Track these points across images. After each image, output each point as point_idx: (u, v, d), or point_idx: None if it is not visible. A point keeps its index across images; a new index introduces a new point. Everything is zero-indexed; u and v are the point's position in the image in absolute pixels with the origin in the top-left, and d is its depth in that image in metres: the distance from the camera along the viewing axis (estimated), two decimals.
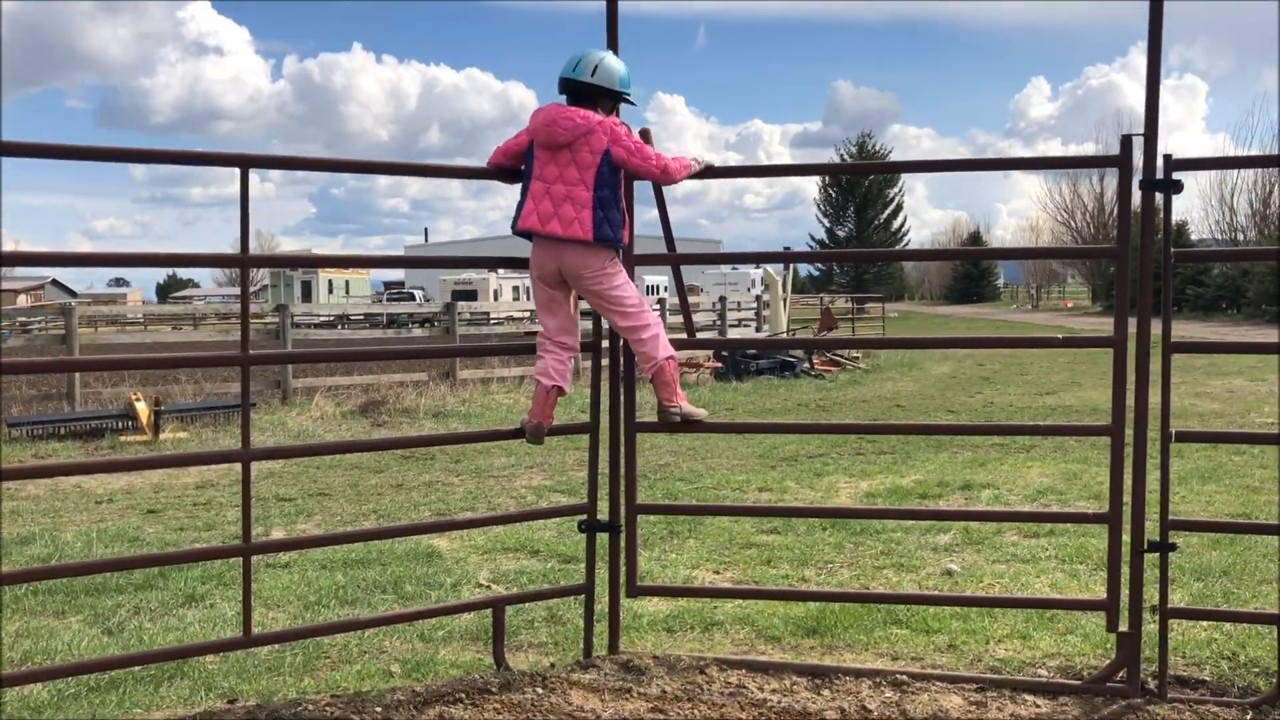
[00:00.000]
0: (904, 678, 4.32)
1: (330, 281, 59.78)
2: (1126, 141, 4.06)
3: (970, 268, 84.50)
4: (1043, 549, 6.59)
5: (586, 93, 4.42)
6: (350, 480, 9.70)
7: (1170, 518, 4.32)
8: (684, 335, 7.87)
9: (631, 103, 4.54)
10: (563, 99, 4.46)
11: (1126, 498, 4.35)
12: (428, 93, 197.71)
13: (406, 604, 5.61)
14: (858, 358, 23.18)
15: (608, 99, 4.45)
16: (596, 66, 4.44)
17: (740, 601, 5.55)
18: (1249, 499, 7.96)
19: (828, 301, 40.71)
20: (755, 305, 28.27)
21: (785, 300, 25.83)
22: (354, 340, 20.62)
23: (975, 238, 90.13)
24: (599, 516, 4.66)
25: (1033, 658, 4.64)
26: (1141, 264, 4.12)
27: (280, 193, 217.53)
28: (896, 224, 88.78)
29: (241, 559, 4.01)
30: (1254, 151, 44.75)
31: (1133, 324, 4.17)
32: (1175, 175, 4.04)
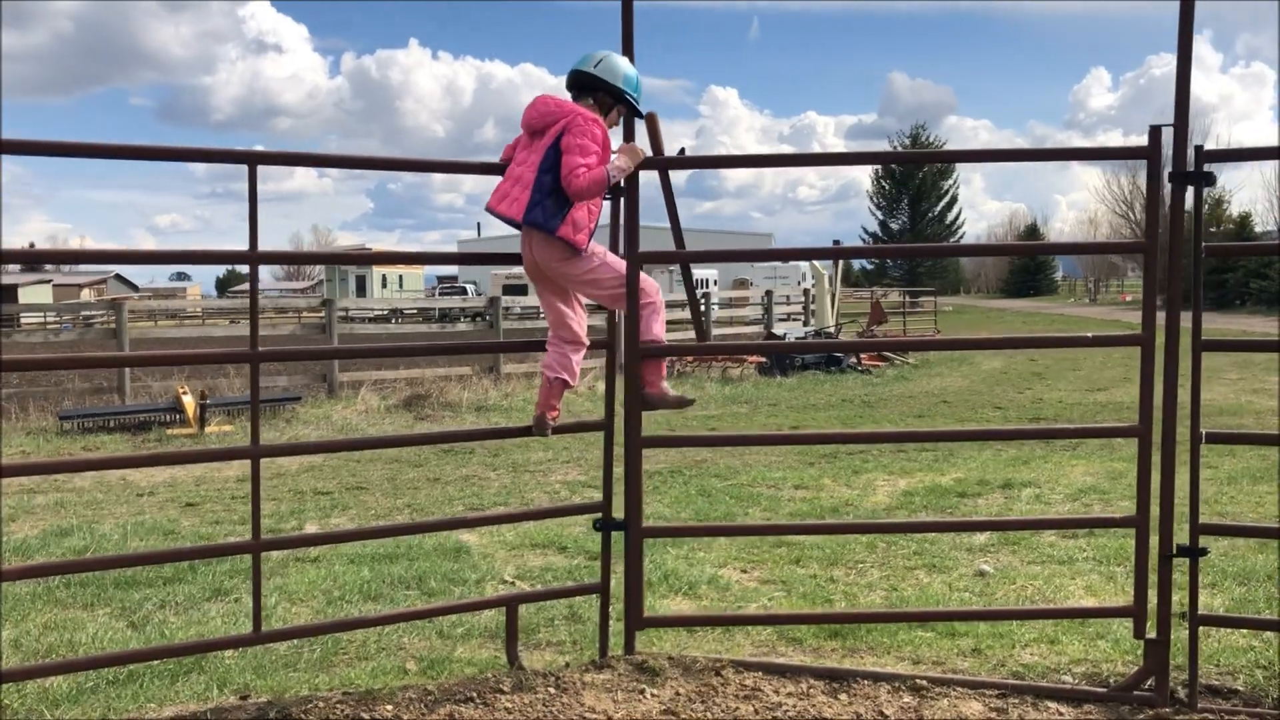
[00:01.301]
0: (924, 683, 4.22)
1: (384, 276, 60.44)
2: (1155, 133, 3.92)
3: (1028, 260, 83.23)
4: (1080, 550, 6.43)
5: (587, 85, 4.41)
6: (389, 474, 9.76)
7: (1201, 522, 4.16)
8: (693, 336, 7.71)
9: (636, 108, 4.48)
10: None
11: (1159, 502, 4.20)
12: (483, 88, 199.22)
13: (430, 600, 5.61)
14: (908, 360, 22.89)
15: (607, 96, 4.41)
16: (601, 60, 4.43)
17: (763, 601, 5.47)
18: None
19: (879, 295, 40.29)
20: (803, 300, 28.04)
21: (834, 294, 25.59)
22: (401, 335, 20.77)
23: (1033, 230, 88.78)
24: (615, 515, 4.60)
25: (1059, 664, 4.51)
26: (1171, 258, 3.97)
27: (338, 188, 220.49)
28: (951, 216, 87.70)
29: (252, 555, 4.00)
30: None
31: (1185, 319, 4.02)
32: (1206, 167, 3.89)
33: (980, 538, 6.86)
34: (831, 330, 22.75)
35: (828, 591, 5.73)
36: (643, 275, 4.47)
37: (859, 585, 5.87)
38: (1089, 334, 4.44)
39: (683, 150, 4.69)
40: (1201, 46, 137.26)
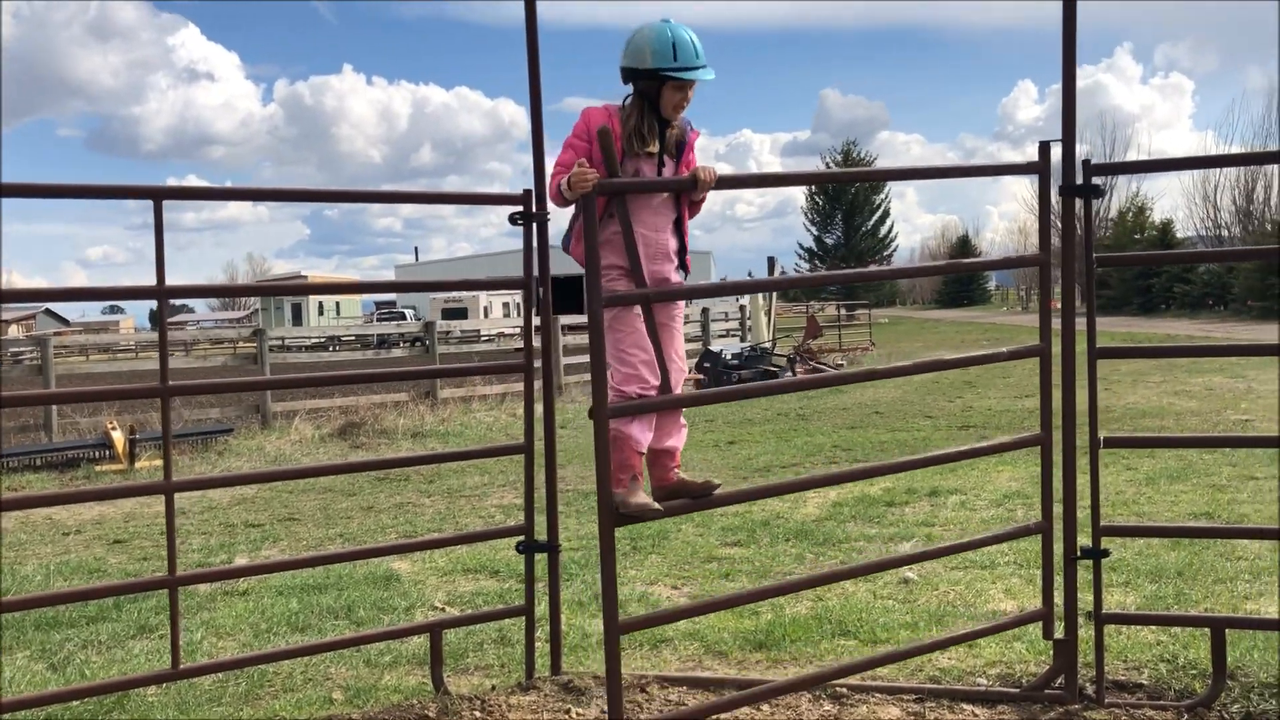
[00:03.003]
0: (844, 690, 4.31)
1: (321, 303, 59.85)
2: (1045, 148, 4.07)
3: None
4: (1001, 554, 6.58)
5: (626, 80, 4.05)
6: (321, 504, 9.68)
7: (1110, 524, 4.31)
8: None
9: (677, 78, 3.95)
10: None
11: (1063, 506, 4.34)
12: (418, 112, 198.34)
13: (358, 629, 5.59)
14: (841, 365, 23.22)
15: (648, 81, 3.98)
16: (628, 43, 4.05)
17: (692, 618, 5.54)
18: (1214, 498, 7.96)
19: (814, 309, 40.76)
20: (740, 315, 28.29)
21: (769, 310, 25.86)
22: (337, 363, 20.60)
23: (964, 241, 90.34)
24: (538, 537, 4.64)
25: (974, 666, 4.62)
26: (1064, 269, 4.12)
27: (274, 216, 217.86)
28: (884, 230, 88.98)
29: (169, 590, 3.98)
30: (1236, 149, 45.02)
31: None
32: (1095, 180, 4.04)
33: (905, 546, 7.00)
34: (768, 345, 22.98)
35: (756, 605, 5.80)
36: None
37: (787, 596, 5.95)
38: (983, 352, 4.48)
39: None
40: (1123, 58, 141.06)
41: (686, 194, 4.11)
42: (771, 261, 30.09)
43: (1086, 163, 4.03)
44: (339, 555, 5.47)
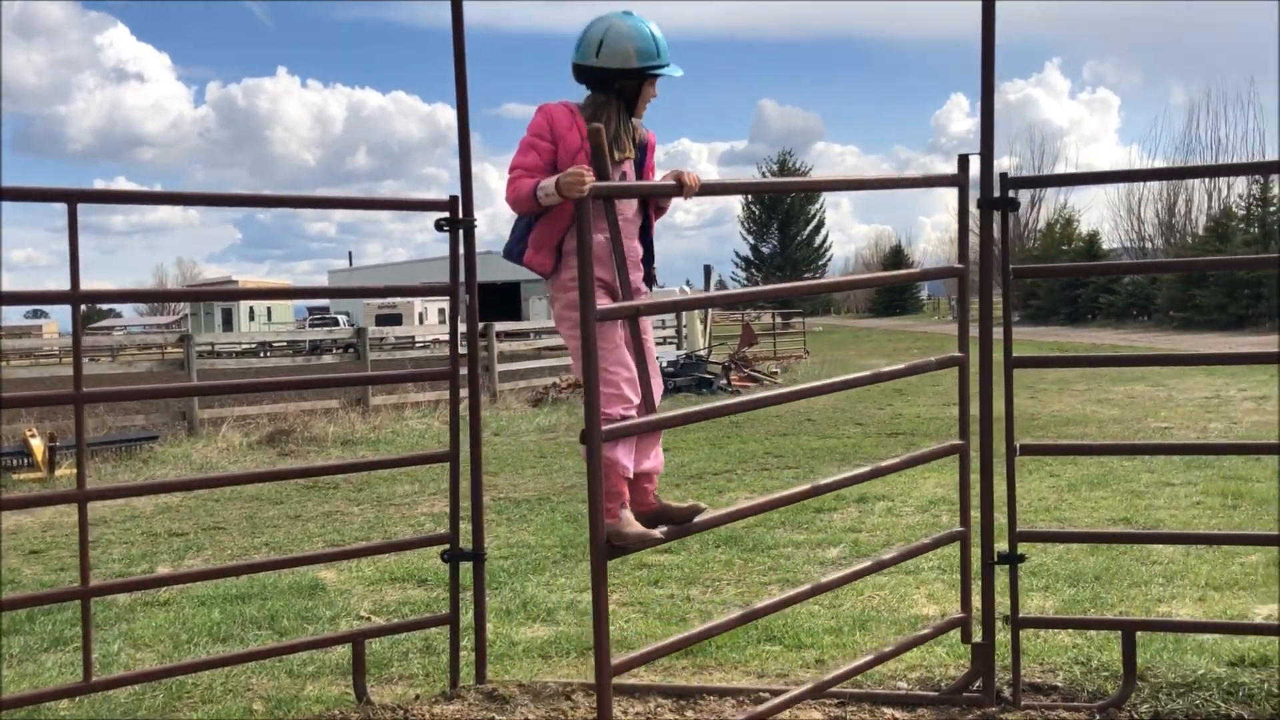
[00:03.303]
0: (767, 695, 4.34)
1: (252, 308, 58.93)
2: (964, 161, 4.15)
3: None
4: (926, 559, 6.66)
5: (599, 80, 3.87)
6: (248, 512, 9.52)
7: (1032, 529, 4.40)
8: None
9: (663, 75, 3.88)
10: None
11: (981, 512, 4.42)
12: (354, 116, 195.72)
13: (281, 639, 5.51)
14: (776, 372, 23.42)
15: (629, 80, 3.84)
16: (602, 42, 3.84)
17: (620, 624, 5.55)
18: (1132, 503, 8.16)
19: (750, 317, 41.06)
20: (676, 323, 28.39)
21: (705, 318, 25.99)
22: (267, 369, 20.29)
23: (897, 251, 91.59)
24: (464, 545, 4.62)
25: (896, 670, 4.69)
26: (982, 280, 4.21)
27: (205, 219, 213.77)
28: (819, 240, 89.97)
29: (80, 601, 3.89)
30: (1159, 163, 46.30)
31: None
32: (1012, 193, 4.13)
33: (834, 551, 7.09)
34: (703, 353, 23.09)
35: (684, 611, 5.84)
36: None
37: (714, 603, 5.99)
38: (910, 363, 4.50)
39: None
40: (1052, 73, 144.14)
41: (655, 200, 3.98)
42: (708, 270, 30.30)
43: (1004, 176, 4.12)
44: (263, 564, 5.39)
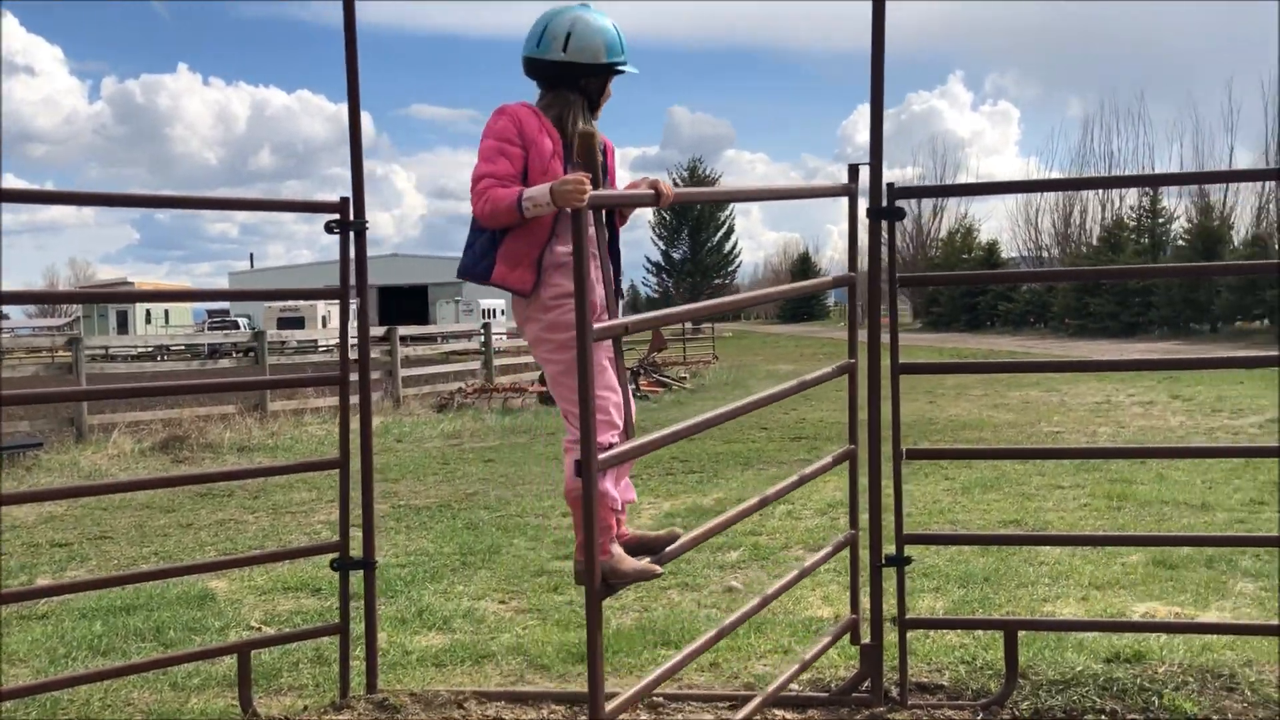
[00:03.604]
0: (660, 699, 4.36)
1: (149, 311, 57.26)
2: (854, 171, 4.22)
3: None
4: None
5: (561, 77, 3.59)
6: (137, 521, 9.23)
7: (919, 532, 4.48)
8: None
9: (627, 71, 3.65)
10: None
11: (869, 515, 4.49)
12: (258, 115, 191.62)
13: (166, 651, 5.35)
14: (684, 378, 23.55)
15: (594, 78, 3.62)
16: (569, 35, 3.56)
17: (517, 631, 5.52)
18: (1023, 505, 8.39)
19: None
20: None
21: None
22: (162, 373, 19.71)
23: (805, 259, 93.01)
24: (355, 554, 4.54)
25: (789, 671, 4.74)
26: (870, 288, 4.28)
27: (100, 219, 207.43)
28: (729, 246, 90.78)
29: None
30: (1056, 174, 47.80)
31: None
32: (899, 203, 4.22)
33: (734, 555, 7.15)
34: None
35: (582, 617, 5.79)
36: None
37: (613, 608, 5.98)
38: (804, 378, 4.52)
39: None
40: (955, 85, 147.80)
41: (621, 210, 3.76)
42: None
43: (890, 186, 4.19)
44: (149, 574, 5.24)
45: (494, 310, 55.93)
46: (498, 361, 23.52)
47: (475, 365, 22.55)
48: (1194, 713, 4.04)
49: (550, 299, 3.58)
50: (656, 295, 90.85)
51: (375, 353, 20.63)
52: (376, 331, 21.74)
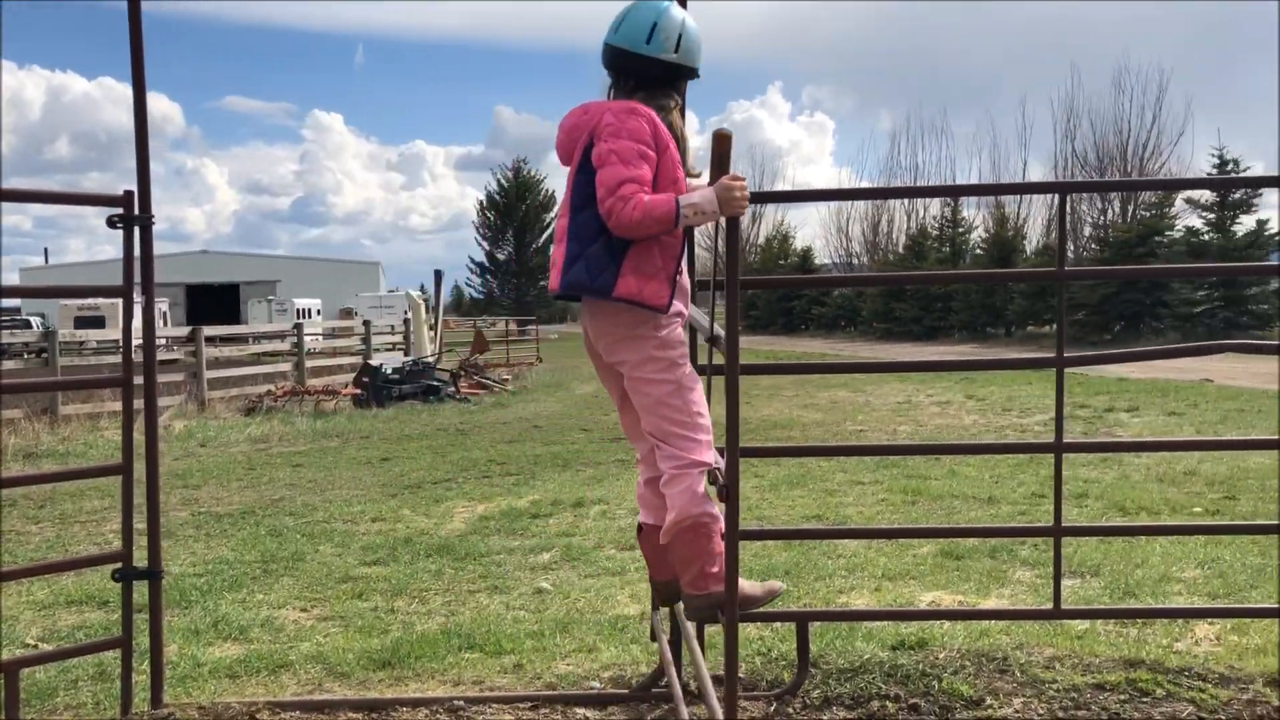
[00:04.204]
0: (461, 703, 4.32)
1: None
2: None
3: None
4: (633, 560, 6.86)
5: (637, 70, 3.32)
6: None
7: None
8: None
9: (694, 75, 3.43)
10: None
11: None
12: (54, 101, 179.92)
13: None
14: (506, 379, 23.43)
15: (689, 79, 3.40)
16: (682, 35, 3.29)
17: (317, 639, 5.38)
18: (825, 501, 8.72)
19: (483, 324, 40.92)
20: (404, 329, 27.87)
21: (433, 324, 25.67)
22: None
23: None
24: (140, 563, 4.33)
25: (592, 670, 4.78)
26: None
27: None
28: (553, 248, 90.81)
29: None
30: (865, 183, 49.78)
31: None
32: None
33: (546, 556, 7.15)
34: (430, 360, 22.77)
35: (386, 623, 5.71)
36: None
37: (420, 613, 5.91)
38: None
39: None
40: (774, 96, 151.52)
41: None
42: (439, 275, 29.90)
43: None
44: None
45: (309, 310, 54.30)
46: (310, 363, 22.84)
47: (286, 367, 21.80)
48: (969, 694, 4.28)
49: (667, 316, 3.38)
50: (480, 296, 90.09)
51: (179, 354, 19.71)
52: (181, 331, 20.75)
